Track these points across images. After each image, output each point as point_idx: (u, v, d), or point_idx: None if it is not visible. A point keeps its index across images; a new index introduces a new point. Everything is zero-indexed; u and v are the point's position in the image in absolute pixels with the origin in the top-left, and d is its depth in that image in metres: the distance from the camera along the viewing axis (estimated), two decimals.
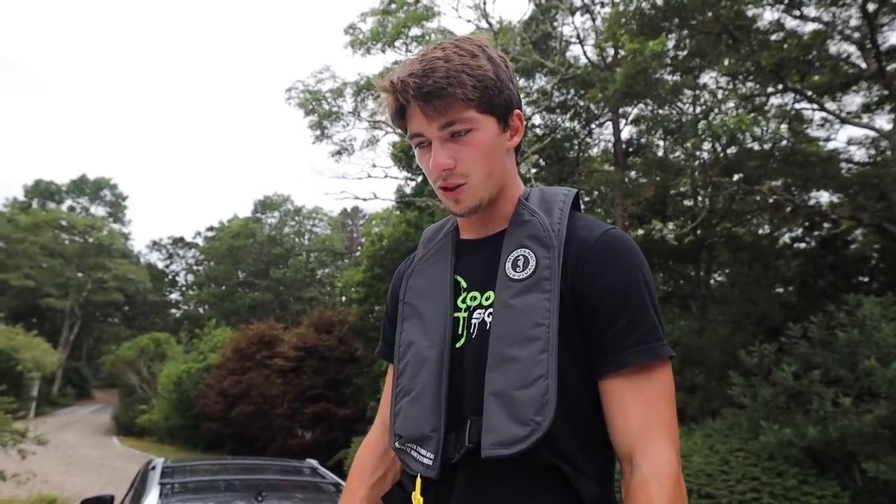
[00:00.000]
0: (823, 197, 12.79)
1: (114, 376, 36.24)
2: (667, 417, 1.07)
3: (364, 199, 21.51)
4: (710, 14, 10.09)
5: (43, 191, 52.02)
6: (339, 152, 16.03)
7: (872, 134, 11.77)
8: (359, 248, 32.47)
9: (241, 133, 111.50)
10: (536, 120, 14.37)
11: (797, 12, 10.43)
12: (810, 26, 10.60)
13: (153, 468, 4.00)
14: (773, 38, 10.64)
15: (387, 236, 18.05)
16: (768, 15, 10.75)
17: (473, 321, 1.17)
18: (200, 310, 46.90)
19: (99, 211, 53.75)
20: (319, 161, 58.55)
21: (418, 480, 1.15)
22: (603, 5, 13.24)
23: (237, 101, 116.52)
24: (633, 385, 1.07)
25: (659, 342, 1.08)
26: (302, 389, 19.08)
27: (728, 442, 8.11)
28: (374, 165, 19.34)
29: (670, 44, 10.93)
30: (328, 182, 76.07)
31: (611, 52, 12.65)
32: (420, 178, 16.94)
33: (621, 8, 10.88)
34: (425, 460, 1.14)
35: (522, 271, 1.13)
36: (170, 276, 53.88)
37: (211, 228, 49.66)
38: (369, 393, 16.95)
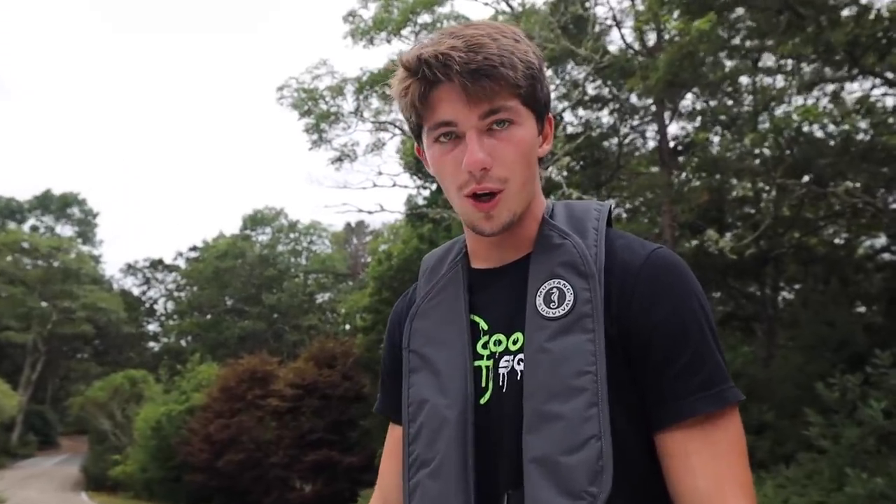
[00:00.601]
0: None
1: (83, 421, 36.51)
2: (741, 474, 1.03)
3: (369, 212, 21.63)
4: None
5: (2, 209, 52.93)
6: (339, 159, 16.20)
7: None
8: (364, 268, 32.56)
9: (227, 141, 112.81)
10: (567, 116, 14.39)
11: None
12: None
13: None
14: (846, 13, 10.54)
15: (396, 254, 18.12)
16: None
17: (501, 371, 1.12)
18: (182, 342, 47.22)
19: (66, 231, 54.65)
20: (317, 169, 58.85)
21: None
22: None
23: (221, 105, 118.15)
24: (700, 438, 1.03)
25: (726, 384, 1.04)
26: (300, 434, 19.08)
27: (806, 493, 7.94)
28: (379, 173, 19.44)
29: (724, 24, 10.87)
30: (327, 193, 76.56)
31: (653, 35, 12.63)
32: (435, 186, 16.98)
33: None
34: None
35: (558, 307, 1.08)
36: (147, 305, 54.37)
37: (194, 248, 50.11)
38: (378, 437, 16.88)
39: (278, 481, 19.23)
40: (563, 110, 14.18)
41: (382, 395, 1.36)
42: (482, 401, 1.12)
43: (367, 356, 19.10)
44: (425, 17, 15.10)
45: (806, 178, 11.62)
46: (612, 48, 13.51)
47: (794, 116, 9.78)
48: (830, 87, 11.66)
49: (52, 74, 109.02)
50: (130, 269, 54.08)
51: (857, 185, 11.42)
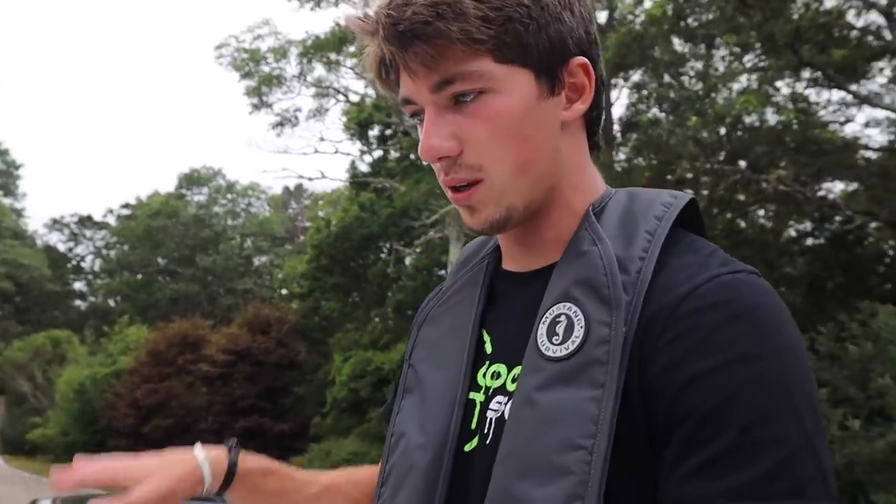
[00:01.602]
0: (837, 188, 13.10)
1: (1, 382, 35.29)
2: None
3: (310, 179, 21.33)
4: None
5: None
6: (280, 124, 15.88)
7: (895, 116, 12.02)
8: (303, 232, 32.17)
9: (165, 98, 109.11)
10: None
11: None
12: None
13: None
14: (791, 6, 10.67)
15: (335, 222, 17.88)
16: None
17: (489, 415, 0.82)
18: (111, 302, 45.92)
19: None
20: (257, 134, 57.26)
21: None
22: None
23: (160, 59, 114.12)
24: None
25: (804, 498, 0.65)
26: (232, 400, 18.88)
27: None
28: (321, 139, 19.17)
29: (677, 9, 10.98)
30: (267, 158, 74.89)
31: (604, 14, 12.73)
32: (378, 153, 16.85)
33: None
34: None
35: (562, 344, 0.75)
36: (73, 262, 52.57)
37: (126, 206, 48.44)
38: (312, 405, 16.86)
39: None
40: None
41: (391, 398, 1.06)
42: (467, 448, 0.83)
43: (303, 322, 18.97)
44: None
45: (742, 164, 11.92)
46: None
47: (736, 104, 10.00)
48: (769, 77, 11.90)
49: None
50: (56, 224, 52.07)
51: (788, 172, 11.75)
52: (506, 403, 0.80)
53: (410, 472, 0.85)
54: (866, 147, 12.65)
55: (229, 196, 46.75)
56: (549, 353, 0.76)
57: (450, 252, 12.52)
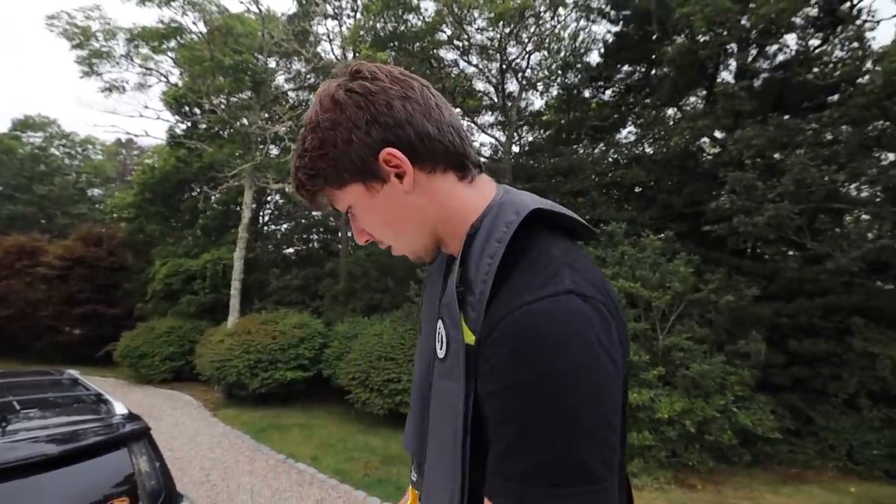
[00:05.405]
0: None
1: None
2: None
3: (136, 136, 17.69)
4: (415, 45, 10.48)
5: None
6: (108, 89, 12.76)
7: (495, 141, 13.46)
8: (130, 174, 26.62)
9: None
10: (291, 95, 13.33)
11: (466, 58, 11.48)
12: (472, 69, 11.72)
13: None
14: (454, 71, 11.47)
15: (158, 167, 15.21)
16: (451, 55, 11.56)
17: None
18: None
19: None
20: (88, 94, 44.99)
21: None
22: (348, 17, 12.65)
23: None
24: None
25: (543, 488, 0.59)
26: (69, 294, 15.29)
27: (405, 325, 8.52)
28: (146, 107, 15.95)
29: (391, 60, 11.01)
30: (98, 115, 59.64)
31: (351, 55, 12.25)
32: (190, 123, 14.48)
33: (361, 23, 10.60)
34: (413, 475, 0.90)
35: (441, 349, 0.72)
36: None
37: None
38: (138, 295, 14.51)
39: (48, 329, 15.40)
40: (287, 91, 13.12)
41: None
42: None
43: (129, 238, 16.16)
44: None
45: None
46: (328, 56, 12.75)
47: None
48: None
49: None
50: None
51: None
52: None
53: (414, 384, 0.87)
54: (482, 155, 13.96)
55: (65, 142, 36.66)
56: (438, 354, 0.73)
57: (245, 194, 11.37)
